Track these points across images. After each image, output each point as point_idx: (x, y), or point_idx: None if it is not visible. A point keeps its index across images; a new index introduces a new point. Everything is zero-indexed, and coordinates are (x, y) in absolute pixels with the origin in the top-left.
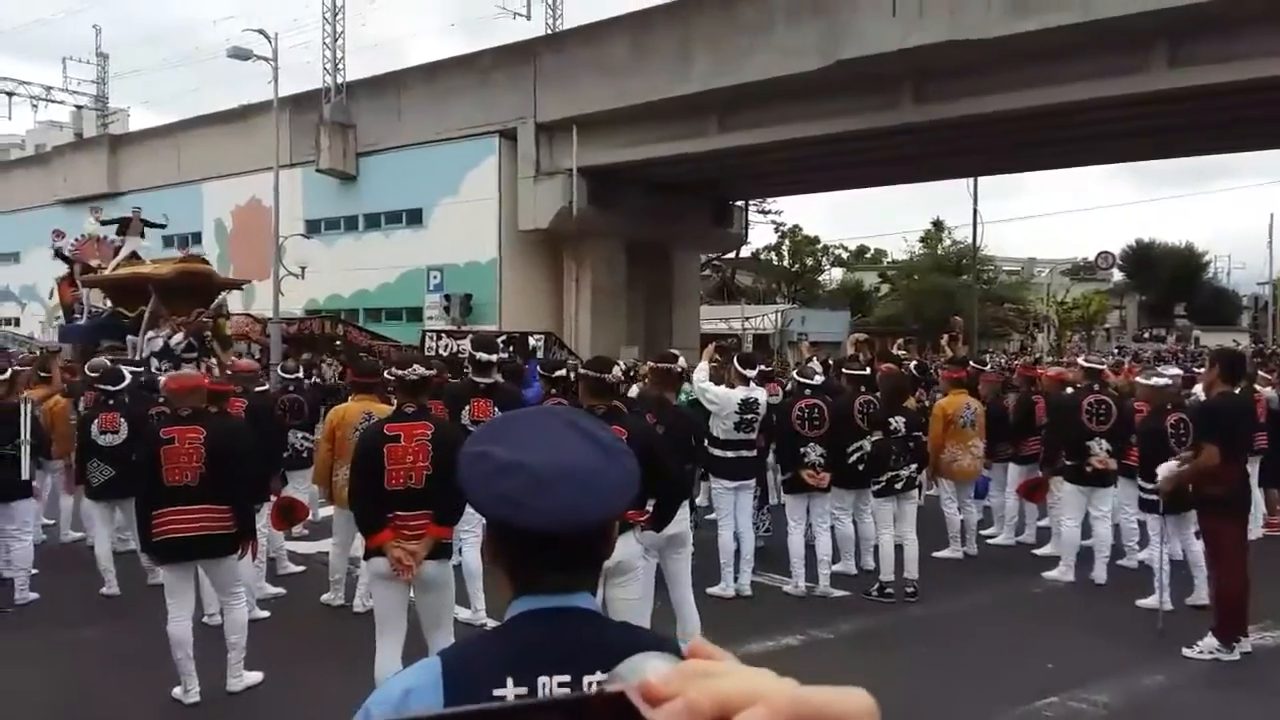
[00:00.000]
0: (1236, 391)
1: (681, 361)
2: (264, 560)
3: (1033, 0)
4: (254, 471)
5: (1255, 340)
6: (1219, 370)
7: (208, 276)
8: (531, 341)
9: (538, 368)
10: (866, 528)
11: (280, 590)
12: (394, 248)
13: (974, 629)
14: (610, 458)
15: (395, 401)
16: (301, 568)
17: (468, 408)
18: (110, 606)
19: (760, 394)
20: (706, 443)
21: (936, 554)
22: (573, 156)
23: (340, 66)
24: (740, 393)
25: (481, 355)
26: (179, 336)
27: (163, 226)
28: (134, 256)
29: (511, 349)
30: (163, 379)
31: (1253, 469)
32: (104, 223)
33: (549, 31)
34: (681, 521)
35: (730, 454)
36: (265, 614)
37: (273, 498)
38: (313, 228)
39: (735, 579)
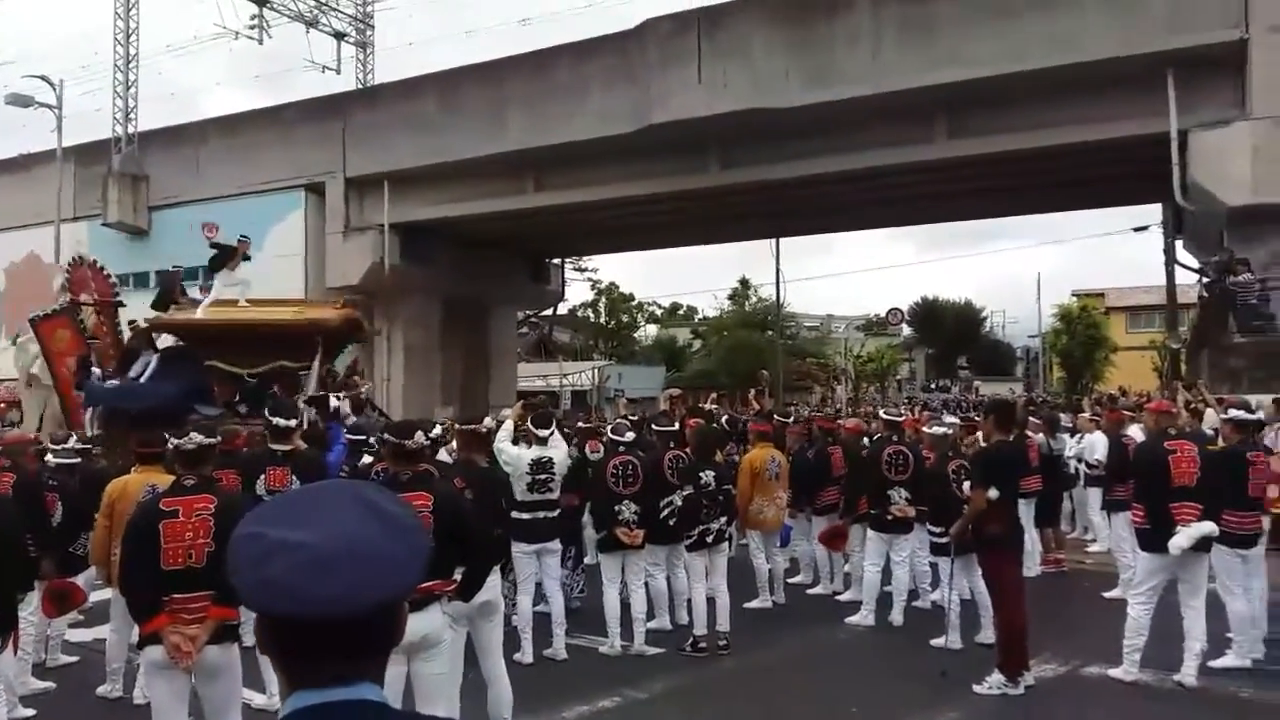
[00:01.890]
0: (1010, 438)
1: (488, 421)
2: (29, 653)
3: (828, 73)
4: (19, 556)
5: (1028, 389)
6: (993, 420)
7: (359, 326)
8: (334, 402)
9: (343, 431)
10: (680, 582)
11: (49, 684)
12: None
13: (784, 678)
14: (396, 535)
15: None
16: (74, 658)
17: (263, 477)
18: None
19: (556, 453)
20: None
21: (747, 605)
22: (384, 212)
23: (132, 116)
24: (532, 452)
25: (279, 421)
26: (345, 404)
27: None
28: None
29: (314, 410)
30: None
31: (1029, 510)
32: (214, 246)
33: (360, 86)
34: (492, 589)
35: (527, 515)
36: (30, 712)
37: (39, 583)
38: None
39: (551, 644)
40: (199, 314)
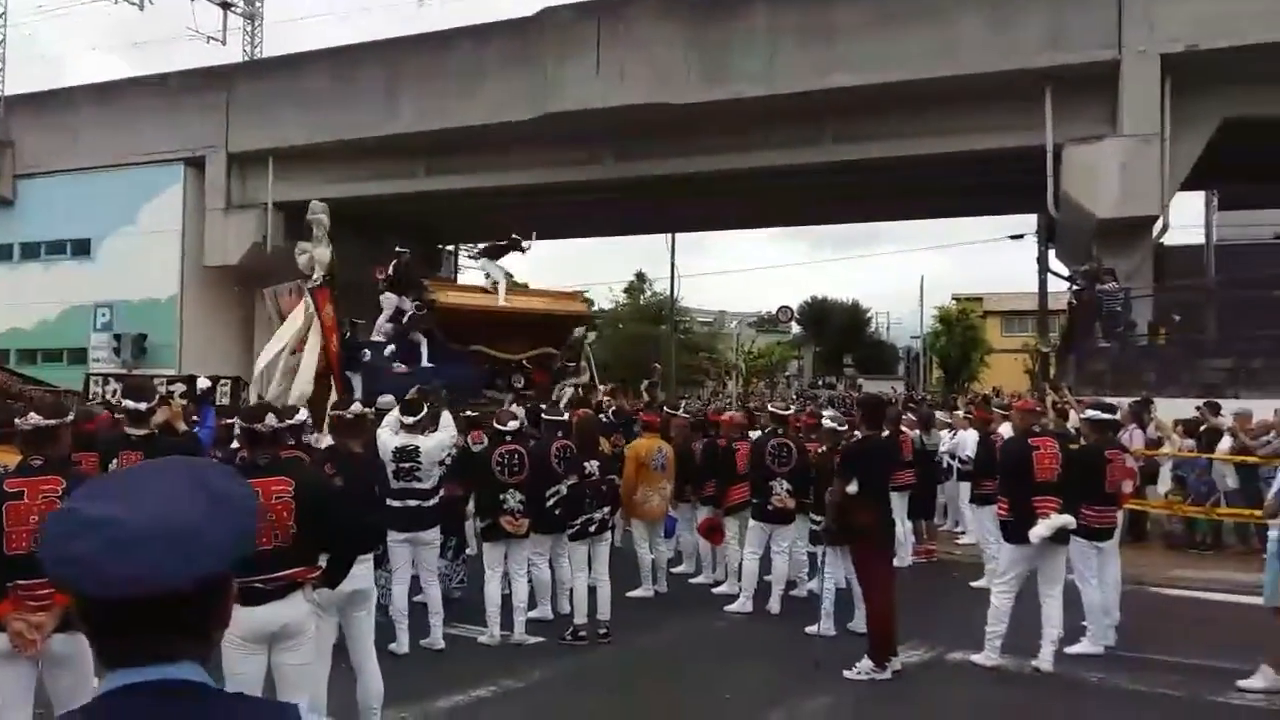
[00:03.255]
0: (884, 435)
1: (355, 407)
2: None
3: (725, 72)
4: None
5: (908, 388)
6: (862, 416)
7: None
8: (202, 383)
9: (212, 412)
10: (563, 572)
11: None
12: (55, 281)
13: (661, 666)
14: (219, 515)
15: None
16: None
17: (115, 461)
18: None
19: (426, 442)
20: None
21: (629, 593)
22: (268, 190)
23: None
24: (398, 440)
25: (130, 403)
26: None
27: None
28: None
29: (184, 392)
30: None
31: (902, 503)
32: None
33: (246, 59)
34: (363, 578)
35: (397, 503)
36: None
37: None
38: None
39: (428, 634)
40: (501, 301)
